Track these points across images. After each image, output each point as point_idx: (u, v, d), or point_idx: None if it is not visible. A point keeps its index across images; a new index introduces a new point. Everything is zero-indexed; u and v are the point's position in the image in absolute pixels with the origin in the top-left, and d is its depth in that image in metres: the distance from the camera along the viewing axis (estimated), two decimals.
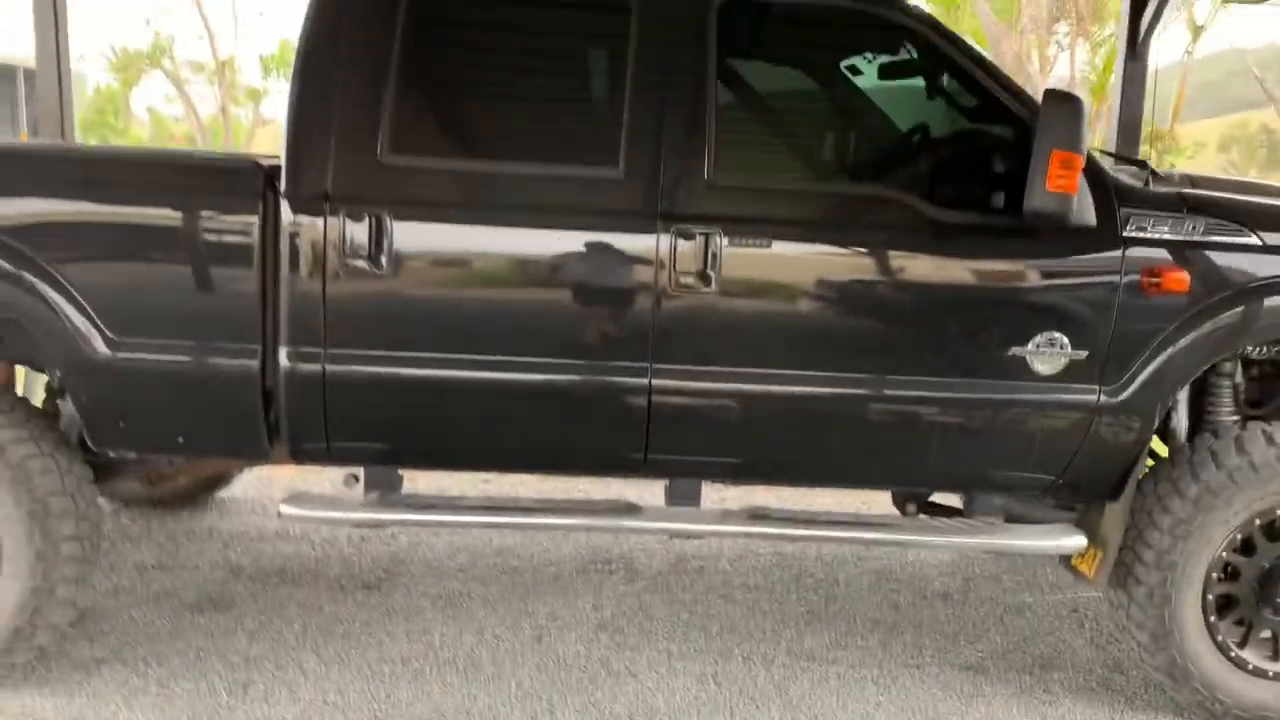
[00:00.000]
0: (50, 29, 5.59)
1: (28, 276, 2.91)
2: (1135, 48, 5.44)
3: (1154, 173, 3.34)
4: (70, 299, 2.94)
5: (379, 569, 4.23)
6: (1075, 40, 18.24)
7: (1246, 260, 3.07)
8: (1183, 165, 18.89)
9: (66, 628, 3.24)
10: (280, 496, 4.72)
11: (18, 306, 2.95)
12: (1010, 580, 4.41)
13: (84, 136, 35.92)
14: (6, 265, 2.90)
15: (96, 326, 2.96)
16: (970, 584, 4.36)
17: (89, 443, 3.12)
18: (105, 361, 2.97)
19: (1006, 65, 15.62)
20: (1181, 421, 3.38)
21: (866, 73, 3.68)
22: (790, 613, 3.99)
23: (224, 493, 4.95)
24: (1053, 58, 19.22)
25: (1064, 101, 2.77)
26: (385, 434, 3.16)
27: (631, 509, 3.28)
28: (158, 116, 27.43)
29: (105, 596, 3.84)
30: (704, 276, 2.99)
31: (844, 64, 3.59)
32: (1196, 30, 22.86)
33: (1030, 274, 3.08)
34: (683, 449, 3.20)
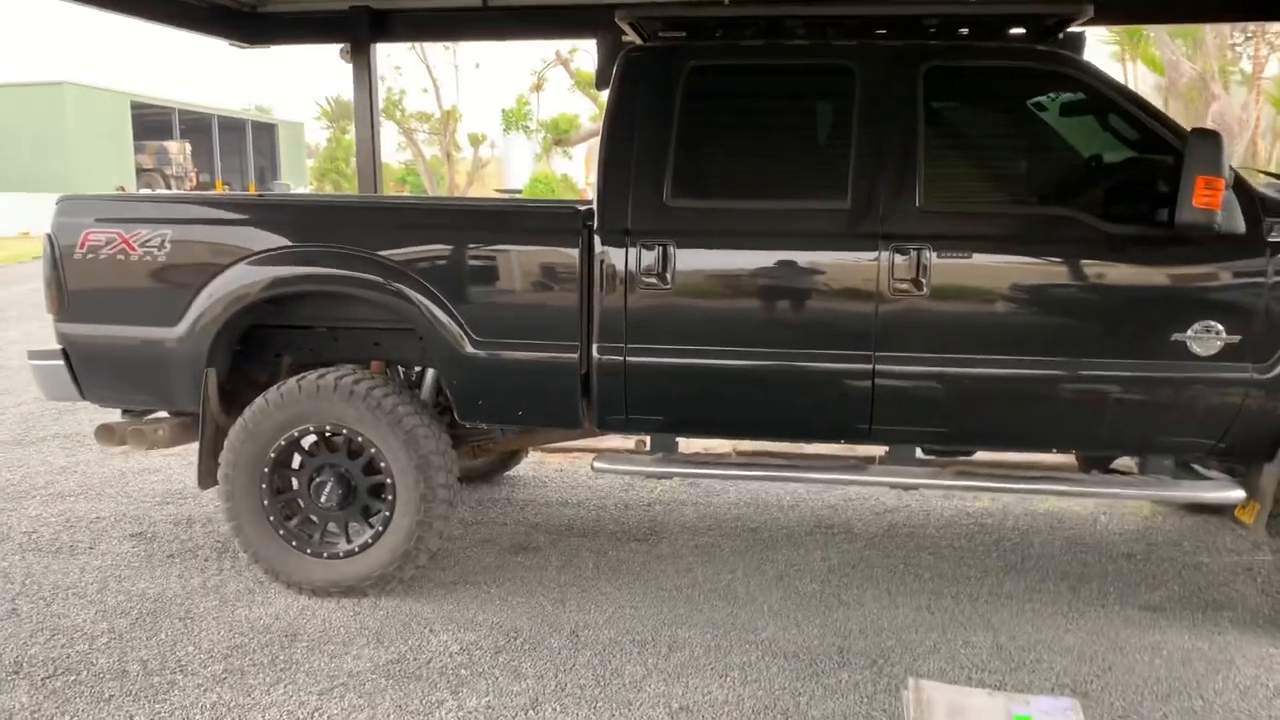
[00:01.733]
0: (366, 112, 6.97)
1: (422, 299, 4.07)
2: None
3: None
4: (449, 313, 4.07)
5: (643, 528, 5.25)
6: (1259, 48, 17.83)
7: None
8: None
9: (431, 556, 4.37)
10: (552, 479, 5.88)
11: (415, 320, 4.12)
12: (1189, 545, 5.01)
13: (319, 182, 39.84)
14: (411, 292, 4.06)
15: (466, 332, 4.08)
16: (1151, 548, 4.99)
17: (456, 416, 4.25)
18: (471, 357, 4.10)
19: (1183, 88, 15.67)
20: None
21: (1049, 109, 4.42)
22: (990, 566, 4.75)
23: (510, 472, 6.11)
24: (1247, 56, 18.76)
25: (1207, 135, 3.50)
26: (669, 409, 4.14)
27: (861, 466, 4.17)
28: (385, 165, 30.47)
29: (444, 541, 4.99)
30: (917, 283, 3.84)
31: (1028, 105, 4.34)
32: None
33: (1188, 273, 3.78)
34: (900, 420, 4.04)
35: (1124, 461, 4.43)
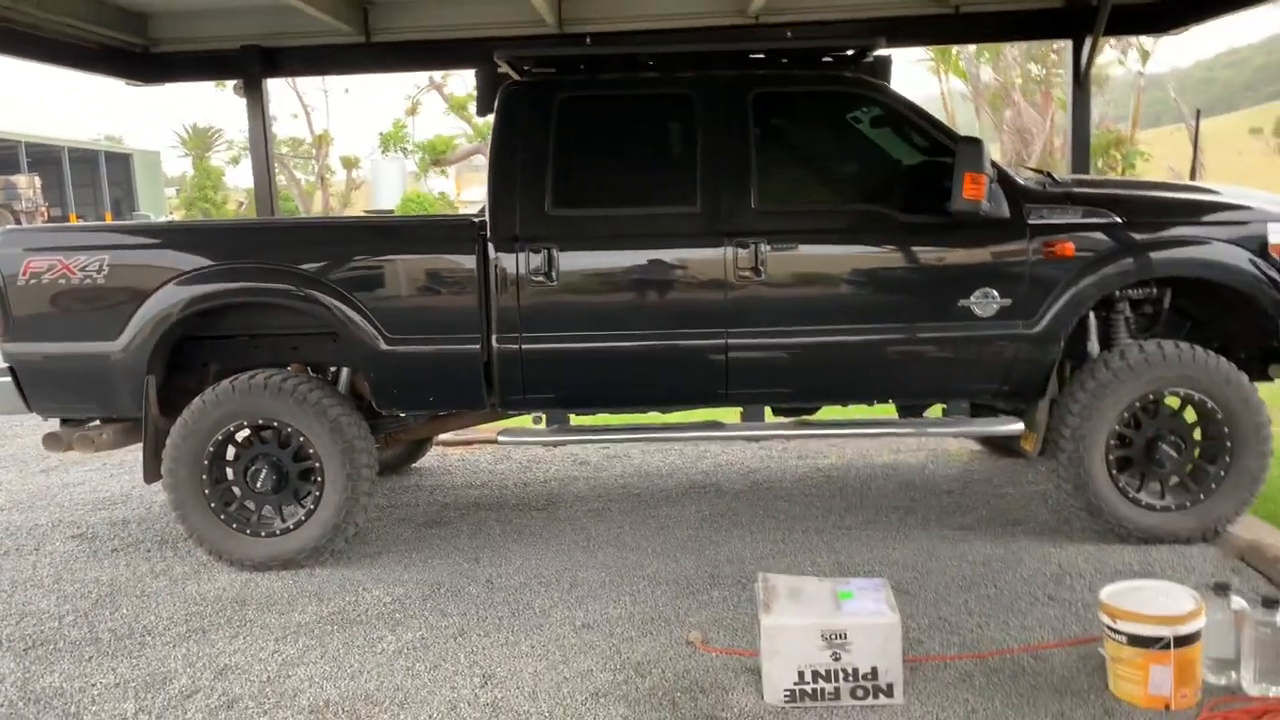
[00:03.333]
0: (260, 141, 7.51)
1: (340, 305, 4.71)
2: (1079, 79, 7.03)
3: (1052, 178, 4.99)
4: (364, 315, 4.73)
5: (542, 499, 5.98)
6: (1050, 66, 19.94)
7: (1109, 233, 4.69)
8: (1140, 166, 21.76)
9: (357, 529, 5.00)
10: (456, 467, 6.53)
11: (335, 324, 4.76)
12: (998, 480, 6.03)
13: (188, 210, 39.14)
14: (330, 300, 4.70)
15: (380, 331, 4.74)
16: (967, 485, 5.98)
17: (374, 405, 4.91)
18: (386, 353, 4.76)
19: (988, 96, 17.66)
20: (1093, 345, 4.95)
21: (860, 123, 5.33)
22: (834, 506, 5.65)
23: (416, 464, 6.75)
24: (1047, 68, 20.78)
25: (972, 142, 4.46)
26: (561, 388, 4.89)
27: (719, 425, 5.00)
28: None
29: (365, 522, 5.61)
30: (756, 271, 4.68)
31: (838, 121, 5.21)
32: (1145, 54, 24.93)
33: (968, 251, 4.72)
34: (751, 385, 4.87)
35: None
